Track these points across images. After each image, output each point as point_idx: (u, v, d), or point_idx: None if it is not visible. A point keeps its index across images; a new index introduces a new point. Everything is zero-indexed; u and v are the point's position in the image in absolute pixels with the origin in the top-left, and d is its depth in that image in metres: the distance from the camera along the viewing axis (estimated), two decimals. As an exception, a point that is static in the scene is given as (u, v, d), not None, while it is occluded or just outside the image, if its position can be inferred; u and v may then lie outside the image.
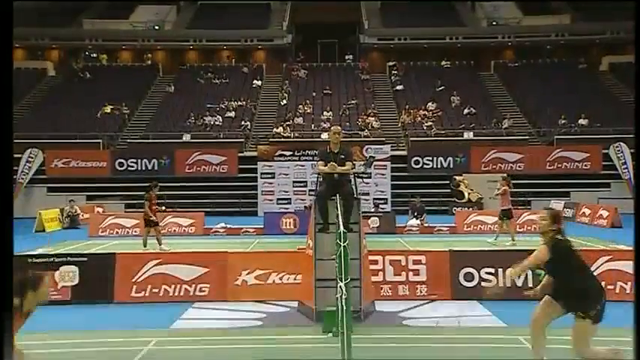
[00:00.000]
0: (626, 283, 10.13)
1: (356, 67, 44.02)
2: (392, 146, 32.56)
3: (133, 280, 10.71)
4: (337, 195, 9.21)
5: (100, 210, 27.07)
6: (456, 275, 10.58)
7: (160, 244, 16.43)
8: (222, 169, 32.40)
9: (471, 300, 10.16)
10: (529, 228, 20.85)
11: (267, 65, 44.43)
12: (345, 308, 6.35)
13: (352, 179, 9.69)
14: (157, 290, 10.69)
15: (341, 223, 8.27)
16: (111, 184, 31.42)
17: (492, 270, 10.51)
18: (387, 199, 30.80)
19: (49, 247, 16.40)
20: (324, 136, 30.22)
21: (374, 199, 30.23)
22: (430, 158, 32.23)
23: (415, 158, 32.33)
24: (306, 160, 30.70)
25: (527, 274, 9.67)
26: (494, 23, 44.85)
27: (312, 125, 35.16)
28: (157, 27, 45.12)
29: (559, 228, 6.19)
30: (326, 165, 9.39)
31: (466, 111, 36.28)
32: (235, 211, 29.30)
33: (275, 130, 34.50)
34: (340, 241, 7.30)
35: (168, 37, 45.41)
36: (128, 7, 46.34)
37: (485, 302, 9.91)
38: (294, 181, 31.28)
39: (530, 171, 31.46)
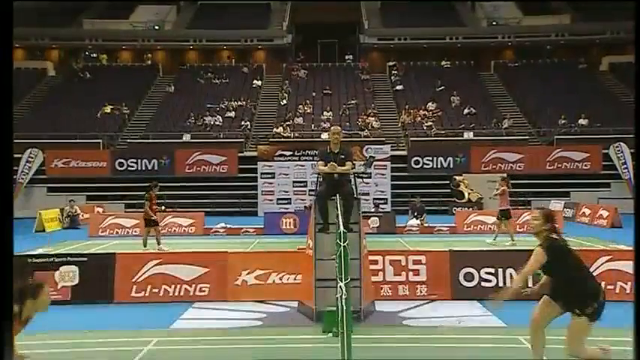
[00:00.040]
0: (626, 283, 10.12)
1: (356, 67, 44.03)
2: (392, 146, 32.56)
3: (133, 280, 10.70)
4: (337, 195, 9.20)
5: (100, 210, 27.06)
6: (456, 275, 10.58)
7: (158, 244, 16.43)
8: (222, 169, 32.41)
9: (471, 300, 10.16)
10: (529, 228, 20.81)
11: (267, 65, 44.44)
12: (345, 308, 6.34)
13: (352, 179, 9.69)
14: (157, 290, 10.69)
15: (341, 223, 8.27)
16: (111, 184, 31.42)
17: (492, 270, 10.52)
18: (387, 199, 30.80)
19: (49, 247, 16.40)
20: (324, 136, 30.21)
21: (374, 199, 30.22)
22: (430, 158, 32.23)
23: (415, 158, 32.33)
24: (306, 160, 30.70)
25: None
26: (494, 23, 44.86)
27: (312, 125, 35.16)
28: (157, 27, 45.13)
29: (553, 227, 6.18)
30: (326, 165, 9.38)
31: (466, 111, 36.29)
32: (235, 211, 29.30)
33: (275, 130, 34.51)
34: (340, 241, 7.29)
35: (168, 37, 45.41)
36: (128, 7, 46.35)
37: (485, 302, 9.90)
38: (294, 181, 31.28)
39: (530, 171, 31.47)
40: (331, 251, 8.18)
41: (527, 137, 34.40)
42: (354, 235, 9.02)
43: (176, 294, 10.68)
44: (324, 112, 36.20)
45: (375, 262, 10.61)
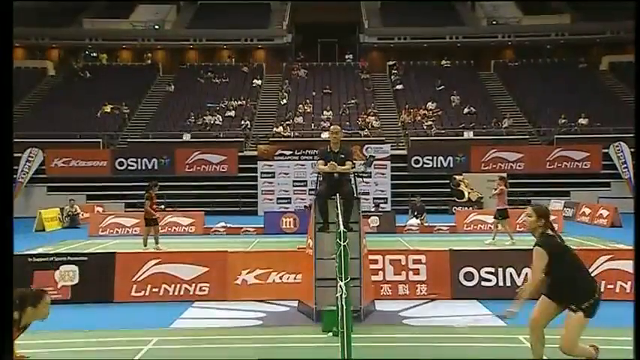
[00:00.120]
0: (626, 283, 10.12)
1: (356, 66, 44.01)
2: (392, 146, 32.59)
3: (133, 279, 10.70)
4: (337, 194, 9.20)
5: (100, 209, 27.09)
6: (456, 275, 10.58)
7: (156, 243, 16.42)
8: (223, 168, 32.41)
9: (471, 299, 10.16)
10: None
11: (267, 65, 44.44)
12: (345, 308, 6.34)
13: (352, 179, 9.69)
14: (157, 290, 10.68)
15: (341, 222, 8.27)
16: (111, 184, 31.44)
17: (492, 269, 10.52)
18: (387, 198, 30.81)
19: (49, 246, 16.40)
20: (324, 135, 30.20)
21: (374, 198, 30.24)
22: (430, 158, 32.23)
23: (415, 158, 32.34)
24: (306, 160, 30.71)
25: (526, 274, 9.68)
26: (494, 23, 44.84)
27: (312, 125, 35.16)
28: (156, 26, 45.11)
29: (547, 223, 6.17)
30: (326, 164, 9.38)
31: (466, 110, 36.29)
32: (235, 211, 29.33)
33: (275, 129, 34.52)
34: (340, 240, 7.29)
35: (168, 37, 45.40)
36: (128, 6, 46.36)
37: (485, 302, 9.91)
38: (294, 181, 31.29)
39: (530, 170, 31.48)
40: (331, 250, 8.18)
41: (527, 137, 34.41)
42: (354, 234, 9.01)
43: (176, 293, 10.68)
44: (324, 112, 36.20)
45: (375, 262, 10.60)
